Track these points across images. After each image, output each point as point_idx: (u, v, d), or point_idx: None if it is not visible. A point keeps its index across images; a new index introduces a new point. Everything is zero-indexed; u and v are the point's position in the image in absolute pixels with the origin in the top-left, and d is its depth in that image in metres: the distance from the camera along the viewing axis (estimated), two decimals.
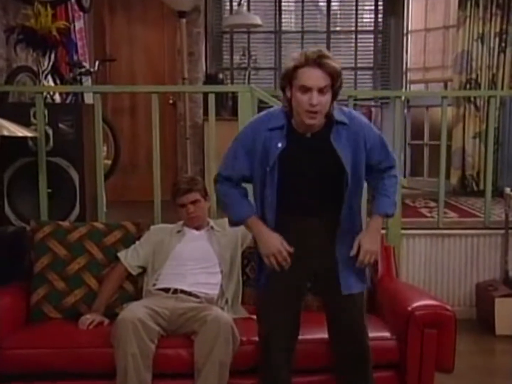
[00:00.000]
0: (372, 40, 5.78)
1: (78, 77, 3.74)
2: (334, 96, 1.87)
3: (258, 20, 5.05)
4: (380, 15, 5.71)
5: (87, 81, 3.87)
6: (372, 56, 5.78)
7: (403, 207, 3.10)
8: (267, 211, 1.97)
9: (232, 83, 5.57)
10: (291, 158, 1.91)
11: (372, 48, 5.79)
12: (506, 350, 3.09)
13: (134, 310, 2.24)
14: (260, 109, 3.77)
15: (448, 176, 4.62)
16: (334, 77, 1.82)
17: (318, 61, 1.80)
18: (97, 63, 4.01)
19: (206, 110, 4.32)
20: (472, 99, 4.81)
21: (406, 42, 5.70)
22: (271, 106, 3.39)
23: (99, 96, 3.05)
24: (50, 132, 3.03)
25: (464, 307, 3.52)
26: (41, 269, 2.57)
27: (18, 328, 2.38)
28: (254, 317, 2.21)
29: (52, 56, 3.38)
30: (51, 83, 3.49)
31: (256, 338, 2.14)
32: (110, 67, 4.84)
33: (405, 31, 5.67)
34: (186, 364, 2.17)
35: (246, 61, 5.67)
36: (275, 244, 1.94)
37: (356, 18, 5.75)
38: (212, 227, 2.65)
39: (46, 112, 3.03)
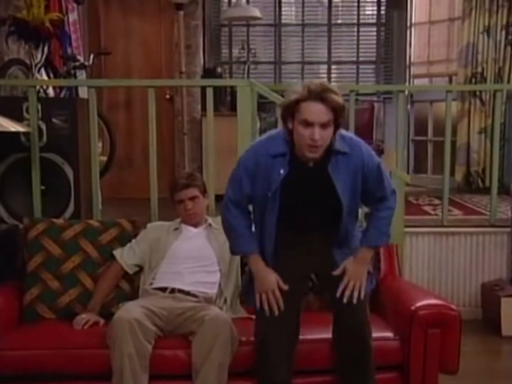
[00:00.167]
0: (374, 33, 5.76)
1: (72, 71, 3.73)
2: (337, 129, 1.89)
3: (257, 13, 5.04)
4: (382, 7, 5.69)
5: (82, 75, 3.85)
6: (374, 50, 5.77)
7: (406, 205, 3.10)
8: (266, 230, 2.03)
9: (231, 77, 5.56)
10: (293, 184, 1.96)
11: (374, 42, 5.77)
12: None
13: (130, 310, 2.24)
14: (259, 105, 3.82)
15: (452, 173, 4.61)
16: (337, 111, 1.83)
17: (321, 95, 1.80)
18: (91, 56, 4.00)
19: (204, 105, 4.30)
20: (477, 93, 4.81)
21: (410, 35, 5.68)
22: (271, 101, 3.43)
23: (93, 91, 3.05)
24: (44, 127, 3.03)
25: (469, 308, 3.53)
26: (35, 268, 2.57)
27: (11, 328, 2.38)
28: (254, 317, 2.20)
29: (45, 48, 3.37)
30: (44, 77, 3.48)
31: None
32: (105, 61, 4.83)
33: (408, 23, 5.65)
34: (183, 365, 2.17)
35: (245, 54, 5.66)
36: (270, 283, 2.02)
37: (358, 10, 5.73)
38: (210, 225, 2.66)
39: (39, 106, 3.02)
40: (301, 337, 2.13)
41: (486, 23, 4.80)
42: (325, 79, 5.84)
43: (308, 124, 1.83)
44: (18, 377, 2.20)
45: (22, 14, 3.24)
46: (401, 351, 2.25)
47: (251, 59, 5.64)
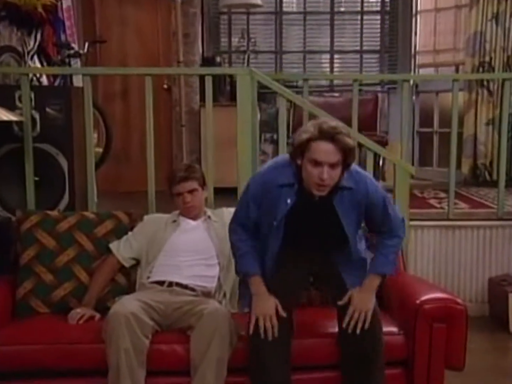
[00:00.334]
0: (378, 21, 5.74)
1: (67, 60, 3.71)
2: (345, 169, 1.99)
3: (257, 0, 5.02)
4: None
5: (76, 63, 3.83)
6: (378, 39, 5.74)
7: (411, 198, 3.10)
8: (269, 251, 2.14)
9: (230, 67, 5.54)
10: (298, 215, 2.06)
11: (378, 30, 5.75)
12: None
13: (127, 304, 2.24)
14: (260, 95, 3.80)
15: (459, 165, 4.60)
16: (347, 153, 1.93)
17: (332, 136, 1.90)
18: (86, 44, 3.99)
19: (203, 96, 4.28)
20: (485, 83, 4.79)
21: (415, 23, 5.66)
22: (272, 92, 3.41)
23: (89, 79, 3.03)
24: (37, 116, 3.01)
25: (476, 303, 3.53)
26: (28, 261, 2.57)
27: (4, 323, 2.38)
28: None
29: (38, 35, 3.36)
30: (38, 65, 3.46)
31: None
32: (100, 49, 4.80)
33: (414, 11, 5.63)
34: (181, 360, 2.18)
35: (245, 43, 5.64)
36: (269, 309, 2.07)
37: None
38: (209, 217, 2.65)
39: (32, 95, 3.00)
40: (301, 332, 2.15)
41: (495, 10, 4.77)
42: (327, 69, 5.84)
43: (317, 163, 1.92)
44: (11, 373, 2.20)
45: None
46: (405, 347, 2.25)
47: (251, 48, 5.62)
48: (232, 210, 2.76)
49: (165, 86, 4.98)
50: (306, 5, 5.75)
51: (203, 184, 2.65)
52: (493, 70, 4.79)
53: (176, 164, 4.72)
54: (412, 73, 5.62)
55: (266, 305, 2.08)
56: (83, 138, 3.05)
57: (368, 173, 2.17)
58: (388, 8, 5.68)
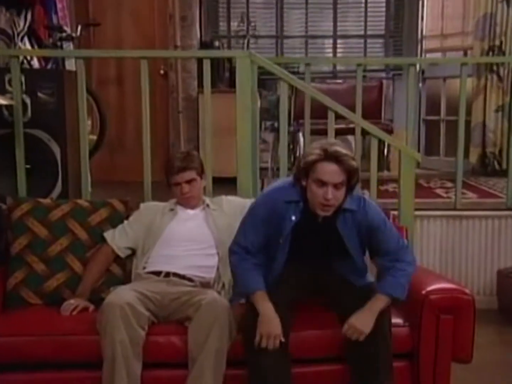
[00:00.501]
0: (383, 5, 5.73)
1: (59, 43, 3.70)
2: (349, 191, 2.12)
3: None
4: None
5: (69, 47, 3.82)
6: (383, 23, 5.75)
7: (417, 188, 3.09)
8: (273, 270, 2.23)
9: None
10: (303, 235, 2.17)
11: (383, 14, 5.74)
12: None
13: (122, 294, 2.24)
14: (260, 81, 3.78)
15: (467, 154, 4.59)
16: (351, 174, 2.07)
17: (336, 157, 2.03)
18: (79, 27, 3.97)
19: (200, 81, 4.27)
20: (494, 68, 4.75)
21: (422, 6, 5.64)
22: (272, 78, 3.39)
23: (82, 62, 3.01)
24: (28, 101, 3.00)
25: (484, 296, 3.54)
26: (19, 250, 2.57)
27: None
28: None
29: (29, 16, 3.34)
30: (28, 47, 3.45)
31: None
32: (94, 33, 4.78)
33: None
34: (179, 352, 2.17)
35: (244, 28, 5.64)
36: (275, 328, 2.08)
37: None
38: (207, 205, 2.65)
39: (23, 78, 2.98)
40: (303, 324, 2.16)
41: None
42: (330, 55, 5.82)
43: (322, 183, 2.05)
44: (1, 365, 2.19)
45: None
46: (411, 339, 2.25)
47: (250, 32, 5.62)
48: (231, 198, 2.78)
49: (162, 71, 4.95)
50: None
51: (201, 173, 2.65)
52: (504, 54, 4.75)
53: (173, 152, 4.71)
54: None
55: (272, 325, 2.09)
56: (76, 123, 3.03)
57: (369, 197, 2.34)
58: None
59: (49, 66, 3.62)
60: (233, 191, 2.96)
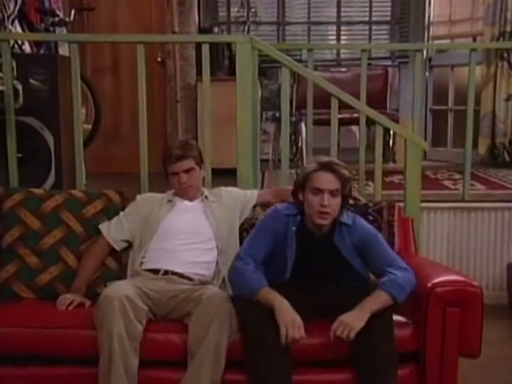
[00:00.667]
0: None
1: (51, 28, 3.69)
2: (344, 201, 2.28)
3: None
4: None
5: (61, 32, 3.80)
6: (389, 8, 5.70)
7: (423, 179, 3.08)
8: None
9: None
10: (303, 248, 2.30)
11: None
12: None
13: (121, 287, 2.24)
14: (261, 70, 3.75)
15: (475, 145, 4.57)
16: (344, 182, 2.25)
17: (330, 166, 2.24)
18: (72, 12, 3.96)
19: (199, 70, 4.25)
20: (505, 55, 4.72)
21: None
22: (273, 66, 3.37)
23: (76, 47, 2.99)
24: (19, 87, 2.97)
25: (493, 291, 3.54)
26: (11, 242, 2.57)
27: None
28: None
29: None
30: (19, 31, 3.43)
31: None
32: (88, 18, 4.78)
33: None
34: (178, 350, 2.17)
35: (244, 14, 5.62)
36: (296, 316, 2.11)
37: None
38: (206, 197, 2.64)
39: (14, 64, 2.97)
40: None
41: None
42: (334, 42, 5.81)
43: (318, 191, 2.22)
44: None
45: None
46: (415, 337, 2.23)
47: (251, 18, 5.61)
48: (230, 189, 2.78)
49: (159, 59, 4.95)
50: None
51: (200, 163, 2.64)
52: None
53: (171, 141, 4.71)
54: None
55: (292, 313, 2.12)
56: (70, 111, 3.02)
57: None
58: None
59: (41, 52, 3.61)
60: (232, 183, 2.96)
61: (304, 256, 2.29)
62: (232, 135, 3.07)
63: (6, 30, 3.26)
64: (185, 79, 4.98)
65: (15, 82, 2.96)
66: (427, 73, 5.49)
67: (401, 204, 2.92)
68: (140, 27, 4.90)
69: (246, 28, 5.38)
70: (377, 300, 2.15)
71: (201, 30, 5.18)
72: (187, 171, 2.56)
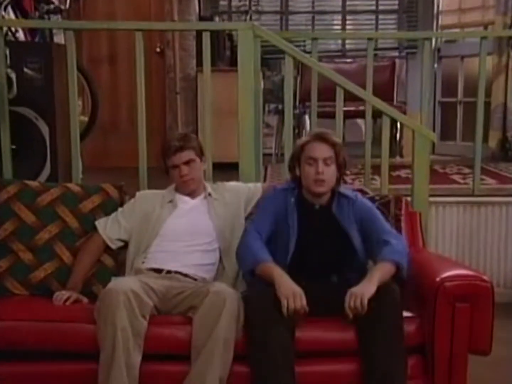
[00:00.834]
0: None
1: (46, 16, 3.69)
2: (339, 170, 2.41)
3: None
4: None
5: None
6: None
7: (432, 174, 3.08)
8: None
9: None
10: (304, 230, 2.39)
11: None
12: None
13: (126, 281, 2.25)
14: (263, 61, 3.74)
15: (486, 139, 4.58)
16: (337, 149, 2.39)
17: (321, 136, 2.40)
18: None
19: (199, 60, 4.25)
20: None
21: None
22: (276, 57, 3.36)
23: (72, 34, 2.98)
24: (13, 76, 2.97)
25: (505, 289, 3.54)
26: (5, 237, 2.56)
27: None
28: None
29: None
30: (13, 18, 3.43)
31: None
32: (84, 6, 4.80)
33: None
34: (181, 344, 2.15)
35: (246, 3, 5.65)
36: (296, 287, 2.17)
37: None
38: (209, 194, 2.63)
39: (7, 52, 2.96)
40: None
41: None
42: (339, 31, 5.80)
43: (312, 160, 2.36)
44: None
45: None
46: (421, 332, 2.23)
47: (253, 8, 5.62)
48: (233, 184, 2.77)
49: (158, 49, 4.96)
50: None
51: (200, 155, 2.62)
52: None
53: (170, 134, 4.71)
54: None
55: (292, 284, 2.17)
56: (66, 101, 3.01)
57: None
58: None
59: (37, 40, 3.61)
60: (234, 177, 2.95)
61: (305, 230, 2.38)
62: (234, 128, 3.06)
63: None
64: (185, 70, 4.99)
65: (9, 70, 2.96)
66: (435, 64, 5.48)
67: (409, 199, 2.91)
68: (138, 16, 4.90)
69: (248, 17, 5.39)
70: (381, 269, 2.23)
71: (202, 19, 5.18)
72: (187, 163, 2.55)
